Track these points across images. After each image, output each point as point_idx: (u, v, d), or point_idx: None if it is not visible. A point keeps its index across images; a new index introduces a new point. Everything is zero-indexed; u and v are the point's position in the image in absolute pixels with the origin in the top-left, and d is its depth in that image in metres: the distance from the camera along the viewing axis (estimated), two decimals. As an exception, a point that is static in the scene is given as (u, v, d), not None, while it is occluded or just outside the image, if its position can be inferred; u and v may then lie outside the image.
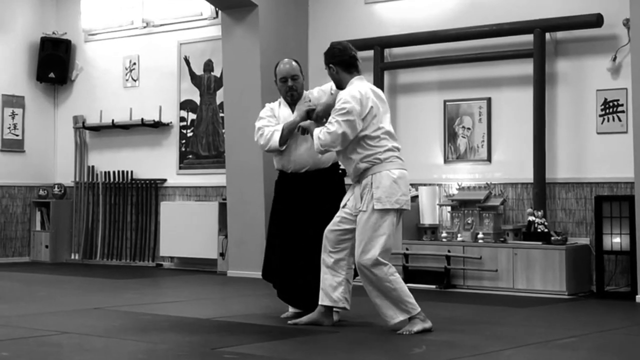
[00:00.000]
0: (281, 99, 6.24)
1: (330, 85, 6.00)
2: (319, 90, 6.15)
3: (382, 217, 5.42)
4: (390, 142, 5.53)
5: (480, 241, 8.18)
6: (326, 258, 5.64)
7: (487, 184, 8.50)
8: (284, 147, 6.02)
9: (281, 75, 6.16)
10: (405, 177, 5.54)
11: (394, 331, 5.42)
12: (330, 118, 5.54)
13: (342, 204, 5.67)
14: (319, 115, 5.86)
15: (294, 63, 6.20)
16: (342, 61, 5.66)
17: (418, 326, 5.41)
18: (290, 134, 5.97)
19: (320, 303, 5.67)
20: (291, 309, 6.17)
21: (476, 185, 8.57)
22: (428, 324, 5.46)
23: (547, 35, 8.25)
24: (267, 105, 6.28)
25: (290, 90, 6.14)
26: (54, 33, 11.53)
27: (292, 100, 6.16)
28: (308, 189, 6.02)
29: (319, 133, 5.54)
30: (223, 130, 10.02)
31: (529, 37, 8.27)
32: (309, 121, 5.83)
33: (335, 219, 5.65)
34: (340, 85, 5.69)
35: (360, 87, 5.57)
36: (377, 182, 5.44)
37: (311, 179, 6.03)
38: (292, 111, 6.12)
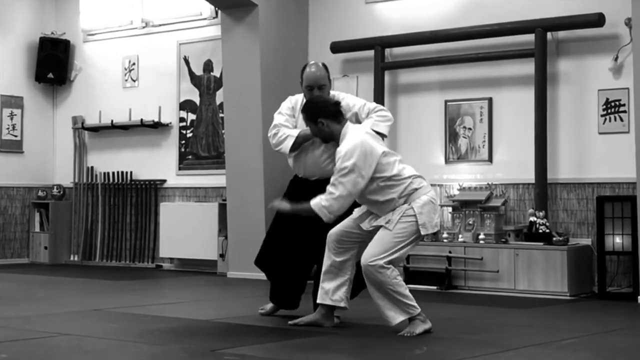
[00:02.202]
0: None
1: (358, 104, 5.83)
2: (347, 104, 5.80)
3: (414, 234, 5.39)
4: (409, 169, 5.49)
5: (481, 242, 8.15)
6: (334, 257, 5.58)
7: (488, 184, 8.47)
8: (295, 154, 5.88)
9: (307, 83, 5.88)
10: (436, 199, 5.57)
11: (395, 332, 5.40)
12: (332, 179, 5.39)
13: (353, 215, 5.57)
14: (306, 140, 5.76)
15: (321, 66, 5.93)
16: (329, 113, 5.53)
17: (419, 327, 5.39)
18: (303, 142, 5.81)
19: (322, 303, 5.63)
20: (270, 305, 6.16)
21: (477, 186, 8.54)
22: (428, 325, 5.44)
23: (549, 34, 8.23)
24: (290, 100, 6.03)
25: None
26: (52, 33, 11.50)
27: None
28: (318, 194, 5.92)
29: (322, 202, 5.36)
30: (223, 131, 9.99)
31: (530, 37, 8.24)
32: (304, 206, 5.46)
33: (344, 222, 5.59)
34: (332, 138, 5.54)
35: (358, 137, 5.41)
36: (419, 208, 5.38)
37: (322, 186, 5.90)
38: None
